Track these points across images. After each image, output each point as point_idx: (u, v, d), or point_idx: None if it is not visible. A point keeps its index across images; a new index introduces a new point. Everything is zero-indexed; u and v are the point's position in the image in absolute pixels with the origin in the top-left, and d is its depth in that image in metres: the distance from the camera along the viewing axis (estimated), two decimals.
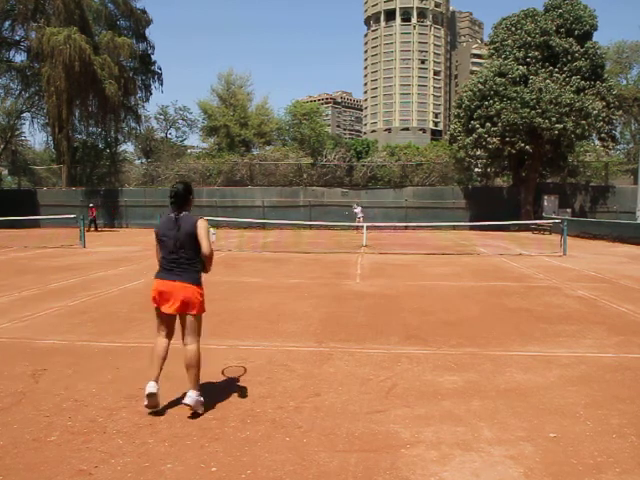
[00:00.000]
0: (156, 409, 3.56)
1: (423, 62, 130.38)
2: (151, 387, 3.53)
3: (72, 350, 5.09)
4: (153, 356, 3.69)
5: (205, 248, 3.58)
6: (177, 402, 3.76)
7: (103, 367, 4.56)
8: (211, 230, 3.87)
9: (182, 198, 3.67)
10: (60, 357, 4.86)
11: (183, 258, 3.60)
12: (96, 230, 25.88)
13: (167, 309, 3.60)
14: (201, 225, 3.60)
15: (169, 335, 3.74)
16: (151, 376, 3.59)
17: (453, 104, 34.43)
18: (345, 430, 3.32)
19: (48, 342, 5.36)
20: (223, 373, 4.41)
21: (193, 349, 3.61)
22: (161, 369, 3.65)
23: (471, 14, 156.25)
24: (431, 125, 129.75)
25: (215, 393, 3.96)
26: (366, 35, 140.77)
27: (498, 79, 25.36)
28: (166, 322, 3.69)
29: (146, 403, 3.53)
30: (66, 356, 4.89)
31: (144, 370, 4.48)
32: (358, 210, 24.36)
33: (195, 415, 3.50)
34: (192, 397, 3.51)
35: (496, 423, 3.43)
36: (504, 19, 27.67)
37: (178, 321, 3.70)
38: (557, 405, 3.74)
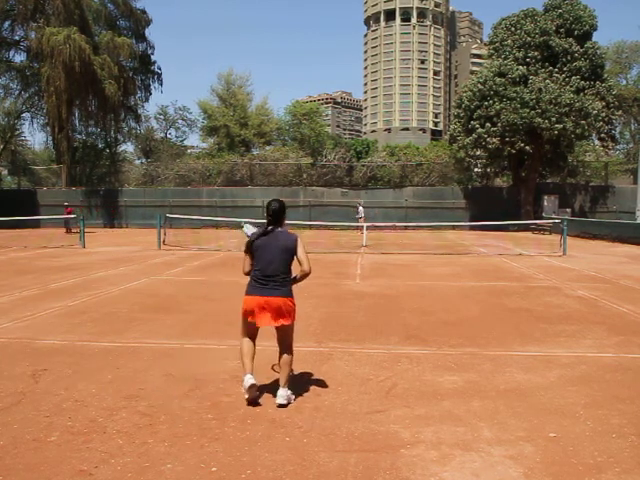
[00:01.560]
0: (255, 401, 3.72)
1: (423, 62, 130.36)
2: (249, 379, 3.70)
3: (72, 350, 5.09)
4: (243, 355, 3.84)
5: (306, 265, 3.76)
6: (177, 401, 3.77)
7: (103, 367, 4.56)
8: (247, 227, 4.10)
9: (279, 214, 3.85)
10: (60, 357, 4.86)
11: (279, 272, 3.75)
12: (69, 232, 23.54)
13: (264, 322, 3.75)
14: (300, 243, 3.81)
15: (253, 338, 3.95)
16: (246, 370, 3.75)
17: (453, 104, 34.46)
18: (345, 430, 3.32)
19: (48, 342, 5.36)
20: (223, 373, 4.40)
21: (288, 356, 3.85)
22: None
23: (471, 14, 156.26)
24: (431, 125, 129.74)
25: (215, 393, 3.96)
26: (366, 35, 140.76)
27: (498, 79, 25.37)
28: (253, 331, 3.89)
29: (247, 396, 3.69)
30: (66, 356, 4.89)
31: (144, 370, 4.49)
32: (360, 210, 24.39)
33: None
34: (280, 394, 3.72)
35: (496, 423, 3.43)
36: (504, 19, 27.68)
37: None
38: (557, 405, 3.74)
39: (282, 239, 3.75)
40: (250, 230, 4.06)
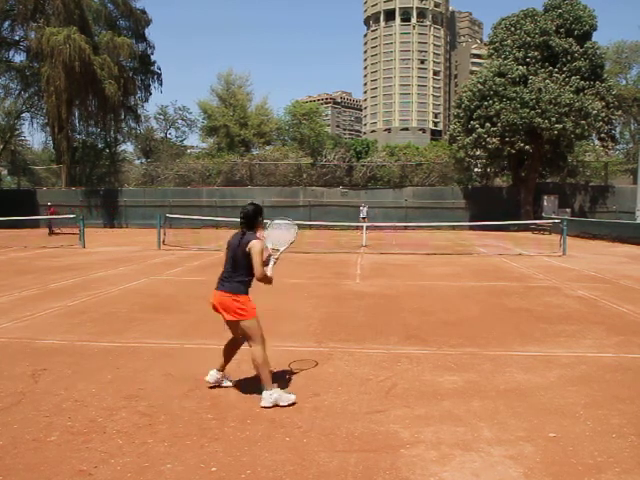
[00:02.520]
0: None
1: (423, 62, 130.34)
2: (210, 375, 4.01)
3: (72, 350, 5.09)
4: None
5: (257, 272, 3.75)
6: (177, 401, 3.77)
7: (103, 367, 4.56)
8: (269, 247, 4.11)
9: (251, 219, 3.88)
10: (60, 357, 4.86)
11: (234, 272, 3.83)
12: (52, 233, 22.58)
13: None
14: (256, 246, 3.74)
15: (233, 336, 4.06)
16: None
17: (453, 104, 34.46)
18: (345, 430, 3.32)
19: (48, 342, 5.36)
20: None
21: (251, 352, 3.82)
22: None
23: (471, 14, 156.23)
24: (431, 125, 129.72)
25: (215, 393, 3.96)
26: (366, 35, 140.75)
27: (498, 79, 25.37)
28: (229, 327, 3.95)
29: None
30: (66, 356, 4.89)
31: (144, 370, 4.49)
32: (364, 210, 24.40)
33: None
34: (263, 397, 3.71)
35: (496, 423, 3.43)
36: (504, 19, 27.68)
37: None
38: (557, 405, 3.74)
39: (244, 241, 3.77)
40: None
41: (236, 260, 3.79)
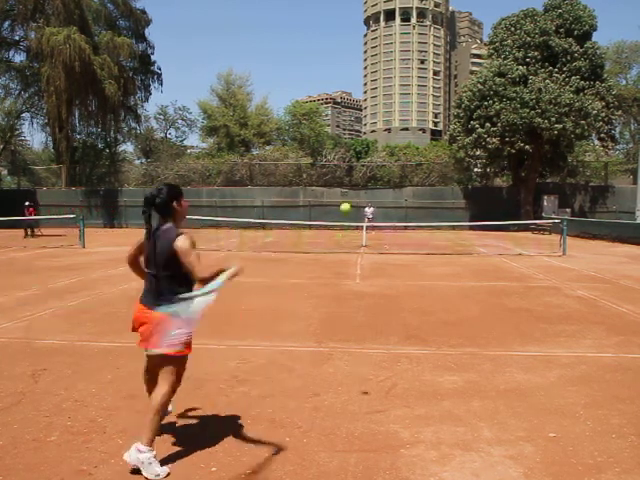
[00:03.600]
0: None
1: (423, 62, 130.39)
2: None
3: (72, 350, 5.09)
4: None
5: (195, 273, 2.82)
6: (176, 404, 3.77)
7: (103, 367, 4.56)
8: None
9: (160, 206, 2.93)
10: (60, 357, 4.86)
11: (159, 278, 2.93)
12: (32, 235, 21.30)
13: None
14: (183, 244, 2.83)
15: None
16: None
17: (453, 104, 34.46)
18: (345, 430, 3.32)
19: (48, 342, 5.36)
20: (223, 373, 4.40)
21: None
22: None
23: (471, 14, 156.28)
24: (431, 125, 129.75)
25: (215, 393, 3.96)
26: (366, 35, 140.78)
27: (498, 79, 25.36)
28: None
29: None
30: (66, 356, 4.89)
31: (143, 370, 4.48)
32: (369, 211, 24.37)
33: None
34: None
35: (496, 423, 3.43)
36: (503, 19, 27.67)
37: None
38: (557, 405, 3.74)
39: (161, 239, 2.90)
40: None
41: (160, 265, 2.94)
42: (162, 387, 2.85)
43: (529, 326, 6.14)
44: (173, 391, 2.91)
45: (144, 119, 41.00)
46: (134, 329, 3.04)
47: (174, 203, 2.95)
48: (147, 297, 2.98)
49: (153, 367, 2.98)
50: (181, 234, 2.85)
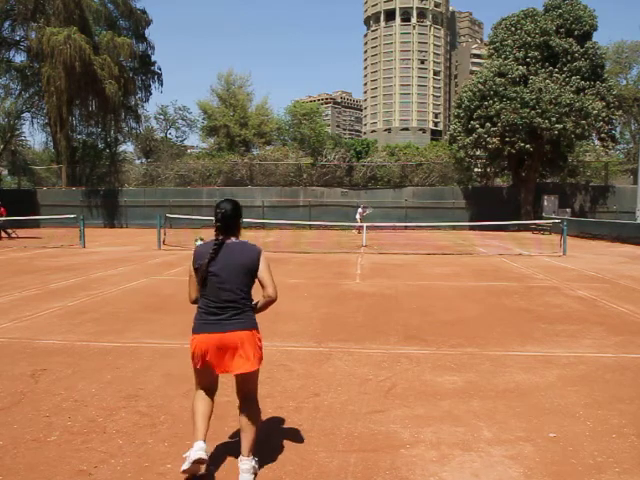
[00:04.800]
0: (195, 475, 2.75)
1: (423, 62, 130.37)
2: (198, 449, 2.69)
3: (72, 350, 5.09)
4: (195, 414, 2.85)
5: (270, 289, 2.81)
6: (177, 401, 3.77)
7: (103, 367, 4.56)
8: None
9: (231, 220, 2.85)
10: (60, 357, 4.86)
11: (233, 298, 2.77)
12: (8, 237, 20.17)
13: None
14: (264, 259, 2.85)
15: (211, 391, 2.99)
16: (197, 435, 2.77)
17: (453, 104, 34.47)
18: (345, 430, 3.33)
19: (48, 342, 5.36)
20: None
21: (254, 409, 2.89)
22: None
23: (471, 14, 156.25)
24: (431, 125, 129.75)
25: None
26: (366, 35, 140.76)
27: (498, 79, 25.37)
28: (211, 380, 2.94)
29: (184, 468, 2.67)
30: (66, 356, 4.89)
31: (144, 370, 4.49)
32: (360, 210, 24.39)
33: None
34: (244, 467, 2.74)
35: (496, 423, 3.43)
36: (504, 19, 27.68)
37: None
38: (557, 405, 3.74)
39: (238, 253, 2.79)
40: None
41: (236, 281, 2.76)
42: (256, 401, 2.90)
43: (529, 326, 6.14)
44: None
45: (144, 119, 41.01)
46: (204, 364, 2.76)
47: (240, 218, 2.95)
48: (214, 321, 2.74)
49: (245, 385, 2.88)
50: (260, 248, 2.89)
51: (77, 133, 35.80)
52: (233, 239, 2.83)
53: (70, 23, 30.03)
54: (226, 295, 2.73)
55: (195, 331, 2.77)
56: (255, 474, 2.74)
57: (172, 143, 45.57)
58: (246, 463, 2.71)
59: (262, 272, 2.81)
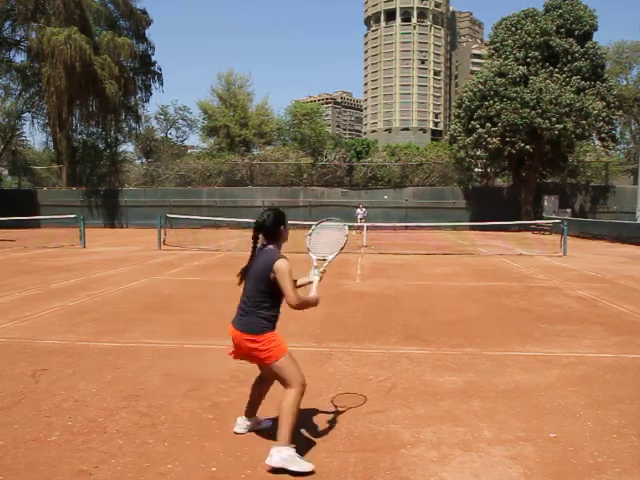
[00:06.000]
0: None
1: (423, 62, 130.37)
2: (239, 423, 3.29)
3: (72, 350, 5.09)
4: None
5: (290, 298, 3.02)
6: (177, 401, 3.77)
7: (103, 367, 4.56)
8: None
9: (267, 230, 3.05)
10: (60, 357, 4.86)
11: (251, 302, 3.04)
12: None
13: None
14: (281, 267, 2.94)
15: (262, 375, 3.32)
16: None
17: (453, 104, 34.47)
18: (345, 430, 3.32)
19: (48, 342, 5.36)
20: (223, 373, 4.40)
21: (284, 394, 3.00)
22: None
23: (471, 14, 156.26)
24: (431, 125, 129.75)
25: (215, 393, 3.96)
26: (366, 35, 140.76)
27: (498, 79, 25.37)
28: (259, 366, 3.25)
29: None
30: (66, 356, 4.89)
31: (144, 370, 4.49)
32: (360, 212, 24.37)
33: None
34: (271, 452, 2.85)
35: (496, 423, 3.43)
36: (504, 19, 27.69)
37: None
38: (557, 405, 3.74)
39: (259, 260, 3.02)
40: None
41: (250, 286, 3.03)
42: (289, 392, 2.97)
43: (529, 326, 6.14)
44: (300, 388, 2.98)
45: (144, 119, 41.09)
46: (237, 354, 3.16)
47: (281, 227, 3.12)
48: (236, 316, 3.12)
49: (270, 374, 3.13)
50: (282, 257, 2.99)
51: (77, 133, 35.85)
52: (269, 246, 3.06)
53: (70, 23, 30.05)
54: (244, 297, 3.07)
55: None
56: (281, 464, 2.77)
57: (172, 143, 45.62)
58: (273, 449, 2.83)
59: (279, 281, 2.96)
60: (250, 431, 3.27)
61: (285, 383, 2.98)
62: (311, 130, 34.55)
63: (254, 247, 3.08)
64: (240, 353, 3.10)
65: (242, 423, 3.27)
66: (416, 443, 3.15)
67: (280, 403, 2.94)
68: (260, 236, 3.07)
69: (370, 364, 4.68)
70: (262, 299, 3.01)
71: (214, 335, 5.57)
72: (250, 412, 3.29)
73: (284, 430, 2.85)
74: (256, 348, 2.96)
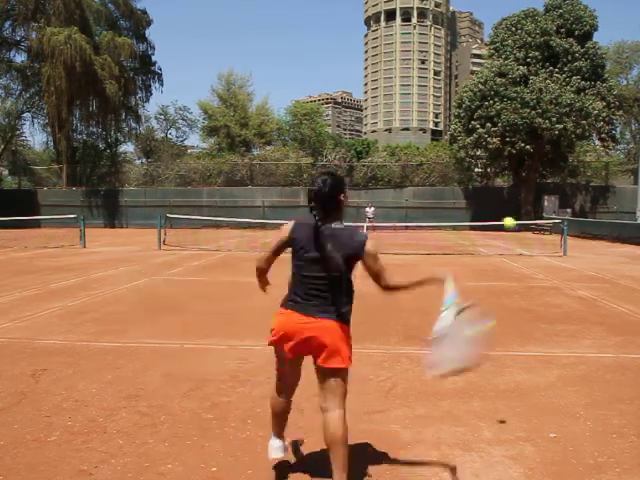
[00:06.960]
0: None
1: (423, 62, 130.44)
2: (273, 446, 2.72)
3: (72, 350, 5.09)
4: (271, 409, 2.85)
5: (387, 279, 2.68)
6: (177, 401, 3.77)
7: (103, 367, 4.56)
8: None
9: (326, 200, 2.46)
10: (60, 357, 4.86)
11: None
12: None
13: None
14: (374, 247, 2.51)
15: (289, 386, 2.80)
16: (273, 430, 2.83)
17: (453, 104, 34.47)
18: None
19: (48, 342, 5.36)
20: (223, 373, 4.40)
21: (336, 419, 2.47)
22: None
23: (471, 14, 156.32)
24: (431, 125, 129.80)
25: (215, 393, 3.96)
26: (366, 35, 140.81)
27: (498, 79, 25.38)
28: (292, 372, 2.72)
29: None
30: (66, 356, 4.89)
31: (144, 370, 4.49)
32: (370, 211, 24.38)
33: None
34: None
35: (496, 423, 3.43)
36: (504, 19, 27.70)
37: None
38: (557, 405, 3.73)
39: (350, 239, 2.52)
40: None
41: (336, 268, 2.51)
42: (342, 409, 2.46)
43: (529, 326, 6.14)
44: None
45: (145, 119, 41.09)
46: (281, 341, 2.63)
47: (341, 195, 2.51)
48: (308, 304, 2.54)
49: (325, 381, 2.51)
50: (367, 236, 2.54)
51: (77, 133, 35.85)
52: (337, 224, 2.51)
53: (70, 23, 30.07)
54: (313, 280, 2.62)
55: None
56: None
57: (172, 143, 45.65)
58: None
59: (371, 264, 2.71)
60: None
61: (342, 399, 2.46)
62: (311, 130, 34.58)
63: (317, 220, 2.44)
64: (306, 348, 2.49)
65: (278, 446, 2.74)
66: (416, 443, 3.15)
67: (333, 432, 2.39)
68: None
69: (370, 364, 4.68)
70: (343, 285, 2.59)
71: (214, 335, 5.57)
72: (280, 434, 2.80)
73: (346, 461, 2.36)
74: (344, 340, 2.47)
